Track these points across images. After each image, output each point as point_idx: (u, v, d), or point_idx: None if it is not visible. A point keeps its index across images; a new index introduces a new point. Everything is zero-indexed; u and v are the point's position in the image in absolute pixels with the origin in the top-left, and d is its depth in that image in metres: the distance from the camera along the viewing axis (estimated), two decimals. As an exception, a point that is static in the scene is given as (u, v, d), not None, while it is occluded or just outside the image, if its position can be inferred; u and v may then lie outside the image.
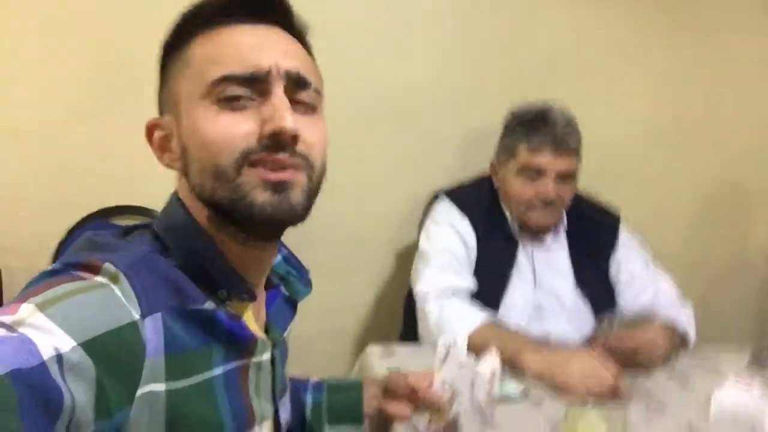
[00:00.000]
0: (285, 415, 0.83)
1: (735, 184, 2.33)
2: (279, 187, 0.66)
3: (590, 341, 1.48)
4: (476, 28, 1.98)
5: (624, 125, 2.10)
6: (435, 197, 1.74)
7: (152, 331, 0.59)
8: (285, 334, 0.83)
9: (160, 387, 0.59)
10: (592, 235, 1.65)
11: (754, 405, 1.22)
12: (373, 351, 1.41)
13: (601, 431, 0.89)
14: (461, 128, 2.01)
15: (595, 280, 1.62)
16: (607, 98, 2.08)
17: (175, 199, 0.72)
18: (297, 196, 0.67)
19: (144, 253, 0.65)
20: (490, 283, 1.55)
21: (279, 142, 0.65)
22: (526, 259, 1.62)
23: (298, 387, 1.04)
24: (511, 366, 1.30)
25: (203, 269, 0.68)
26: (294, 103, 0.68)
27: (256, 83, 0.66)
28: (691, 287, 1.68)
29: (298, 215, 0.69)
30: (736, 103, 2.24)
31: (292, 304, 0.85)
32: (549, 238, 1.64)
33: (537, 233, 1.62)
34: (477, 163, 1.83)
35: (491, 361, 1.04)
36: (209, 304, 0.66)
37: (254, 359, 0.71)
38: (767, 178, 2.34)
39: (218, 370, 0.65)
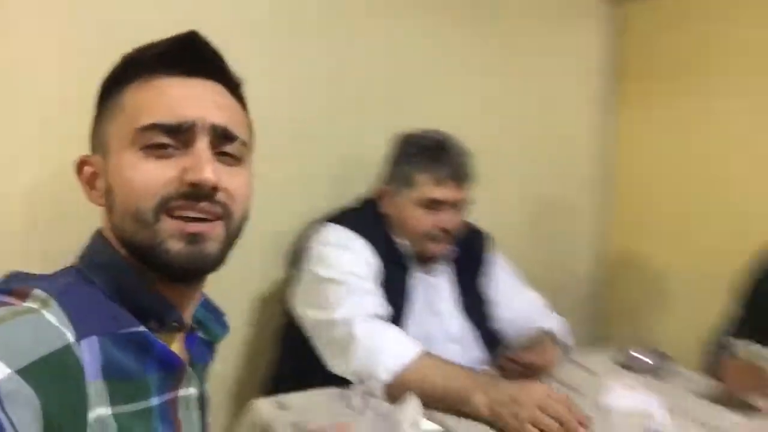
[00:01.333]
0: None
1: (559, 197, 2.50)
2: (194, 239, 0.69)
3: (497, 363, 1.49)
4: (334, 51, 1.88)
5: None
6: (318, 224, 1.59)
7: (89, 353, 0.59)
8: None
9: (106, 411, 0.59)
10: (468, 256, 1.66)
11: (639, 400, 1.27)
12: (264, 406, 1.22)
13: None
14: (328, 156, 1.88)
15: (476, 302, 1.64)
16: (441, 116, 2.03)
17: (99, 236, 0.74)
18: (212, 246, 0.70)
19: (73, 283, 0.67)
20: (391, 311, 1.48)
21: (198, 192, 0.68)
22: (419, 285, 1.59)
23: None
24: (456, 408, 1.22)
25: (131, 300, 0.68)
26: (219, 154, 0.72)
27: (181, 133, 0.69)
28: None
29: (212, 265, 0.72)
30: (559, 127, 2.41)
31: (210, 347, 0.83)
32: (435, 265, 1.62)
33: (427, 260, 1.59)
34: (346, 193, 1.76)
35: (412, 407, 0.96)
36: (141, 328, 0.67)
37: (182, 392, 0.71)
38: (589, 196, 2.55)
39: (155, 400, 0.65)
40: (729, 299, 1.66)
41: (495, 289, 1.69)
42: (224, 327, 0.84)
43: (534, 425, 1.13)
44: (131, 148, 0.69)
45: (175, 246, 0.68)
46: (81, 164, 0.76)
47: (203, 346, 0.81)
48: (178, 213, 0.68)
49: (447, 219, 1.52)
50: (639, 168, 2.56)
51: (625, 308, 2.60)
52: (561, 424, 1.13)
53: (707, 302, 2.21)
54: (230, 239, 0.73)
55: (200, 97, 0.72)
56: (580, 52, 2.51)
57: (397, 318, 1.48)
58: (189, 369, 0.73)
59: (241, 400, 1.42)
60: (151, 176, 0.68)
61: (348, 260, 1.46)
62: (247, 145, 0.76)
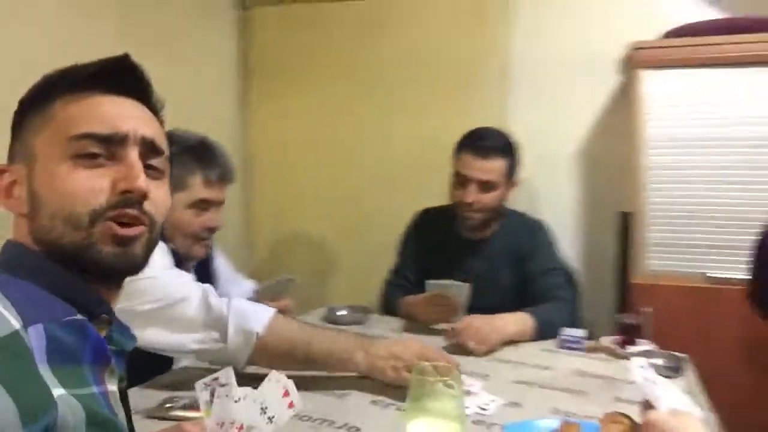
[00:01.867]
0: None
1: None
2: (124, 242, 0.74)
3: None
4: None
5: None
6: None
7: (36, 340, 0.60)
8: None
9: (63, 391, 0.60)
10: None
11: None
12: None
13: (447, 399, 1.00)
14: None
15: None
16: None
17: (13, 244, 0.76)
18: (138, 249, 0.76)
19: (7, 278, 0.68)
20: None
21: (129, 199, 0.73)
22: None
23: None
24: (336, 366, 1.32)
25: (61, 294, 0.69)
26: (146, 167, 0.76)
27: (113, 144, 0.74)
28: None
29: (137, 266, 0.77)
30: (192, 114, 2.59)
31: (121, 355, 0.81)
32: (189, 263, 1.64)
33: (185, 261, 1.59)
34: None
35: (275, 378, 1.04)
36: (78, 316, 0.67)
37: (109, 387, 0.70)
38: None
39: (95, 389, 0.66)
40: (394, 253, 2.10)
41: (217, 275, 1.79)
42: (133, 338, 0.83)
43: (405, 377, 1.27)
44: (62, 156, 0.72)
45: (106, 248, 0.72)
46: None
47: (114, 355, 0.76)
48: (110, 219, 0.72)
49: (213, 219, 1.56)
50: (275, 156, 2.89)
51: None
52: None
53: (356, 263, 2.72)
54: (152, 246, 0.79)
55: (131, 113, 0.78)
56: (216, 52, 2.69)
57: None
58: (113, 362, 0.72)
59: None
60: (84, 185, 0.72)
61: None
62: (168, 161, 0.82)
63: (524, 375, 1.43)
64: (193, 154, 1.53)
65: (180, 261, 1.56)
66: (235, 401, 0.99)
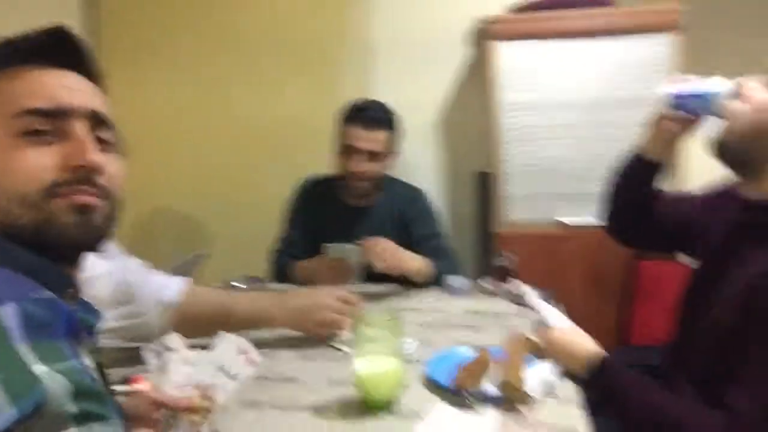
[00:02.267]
0: None
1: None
2: (84, 210, 0.72)
3: None
4: None
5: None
6: None
7: (10, 319, 0.60)
8: None
9: (44, 368, 0.59)
10: None
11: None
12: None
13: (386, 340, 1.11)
14: None
15: None
16: None
17: None
18: (98, 219, 0.73)
19: None
20: None
21: (83, 175, 0.71)
22: None
23: None
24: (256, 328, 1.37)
25: (28, 270, 0.68)
26: (95, 141, 0.74)
27: (60, 118, 0.71)
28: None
29: (99, 238, 0.75)
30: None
31: (92, 332, 0.80)
32: None
33: None
34: None
35: (229, 340, 1.10)
36: (48, 293, 0.67)
37: (85, 360, 0.70)
38: None
39: (74, 361, 0.65)
40: (280, 222, 2.16)
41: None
42: (98, 314, 0.80)
43: (325, 325, 1.40)
44: (7, 135, 0.70)
45: (66, 219, 0.70)
46: None
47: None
48: (66, 195, 0.70)
49: None
50: (134, 129, 2.78)
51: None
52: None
53: (229, 239, 2.74)
54: (111, 220, 0.76)
55: (75, 86, 0.75)
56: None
57: None
58: (86, 336, 0.73)
59: None
60: (33, 164, 0.69)
61: None
62: (117, 132, 0.79)
63: (425, 318, 1.60)
64: None
65: None
66: (189, 363, 1.04)
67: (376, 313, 1.12)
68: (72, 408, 0.60)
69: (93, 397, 0.63)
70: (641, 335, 2.02)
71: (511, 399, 1.06)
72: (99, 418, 0.63)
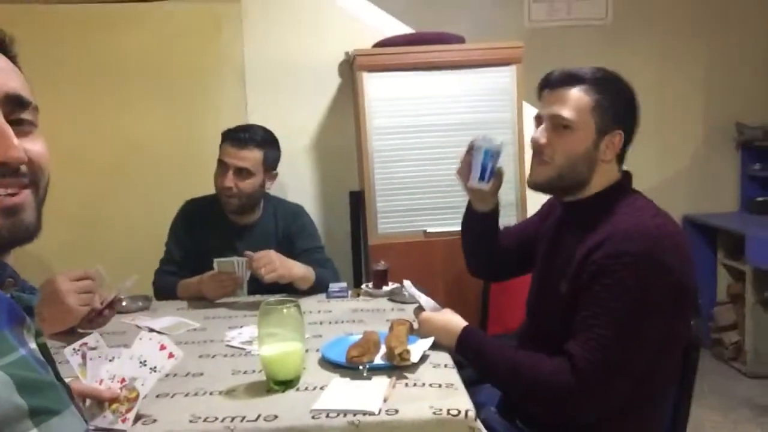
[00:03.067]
0: None
1: None
2: (11, 212, 0.68)
3: None
4: None
5: None
6: None
7: None
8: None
9: None
10: None
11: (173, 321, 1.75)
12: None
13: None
14: None
15: None
16: None
17: None
18: (29, 216, 0.70)
19: None
20: None
21: (6, 169, 0.67)
22: None
23: None
24: None
25: None
26: (14, 123, 0.68)
27: None
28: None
29: (32, 233, 0.73)
30: None
31: (31, 313, 0.79)
32: None
33: None
34: None
35: (149, 337, 1.19)
36: None
37: (32, 345, 0.69)
38: None
39: (22, 351, 0.63)
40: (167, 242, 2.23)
41: None
42: (36, 292, 0.80)
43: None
44: None
45: None
46: None
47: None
48: None
49: None
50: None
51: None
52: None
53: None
54: (40, 205, 0.74)
55: None
56: None
57: None
58: (28, 320, 0.70)
59: None
60: None
61: None
62: (36, 108, 0.73)
63: (315, 318, 1.76)
64: None
65: None
66: (110, 360, 1.13)
67: (279, 303, 1.27)
68: (22, 404, 0.58)
69: (42, 390, 0.62)
70: (497, 326, 2.31)
71: (397, 366, 1.26)
72: (56, 411, 0.62)
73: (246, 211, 2.17)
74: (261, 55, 2.82)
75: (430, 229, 2.56)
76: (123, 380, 1.11)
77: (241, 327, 1.68)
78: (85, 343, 1.15)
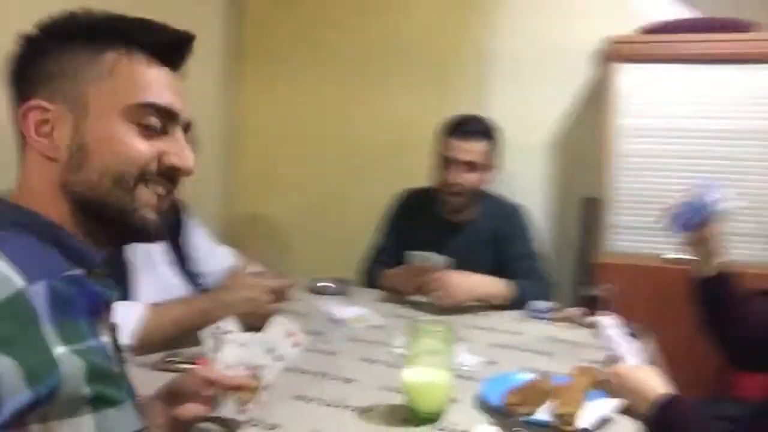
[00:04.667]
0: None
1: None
2: (161, 208, 0.77)
3: None
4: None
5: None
6: None
7: (39, 297, 0.61)
8: None
9: (64, 349, 0.61)
10: (172, 224, 1.75)
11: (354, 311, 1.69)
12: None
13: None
14: None
15: (185, 260, 1.75)
16: None
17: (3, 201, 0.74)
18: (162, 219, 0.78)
19: (5, 232, 0.68)
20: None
21: (175, 175, 0.78)
22: (136, 257, 1.60)
23: None
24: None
25: (62, 247, 0.70)
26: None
27: (168, 119, 0.77)
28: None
29: (159, 236, 0.80)
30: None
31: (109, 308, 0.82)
32: None
33: None
34: None
35: (279, 322, 1.13)
36: (77, 271, 0.68)
37: (103, 338, 0.70)
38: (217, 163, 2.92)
39: (93, 341, 0.66)
40: (375, 231, 2.20)
41: (195, 248, 1.82)
42: (117, 290, 0.83)
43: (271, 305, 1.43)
44: (121, 119, 0.73)
45: (149, 215, 0.76)
46: (30, 109, 0.73)
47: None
48: (151, 185, 0.76)
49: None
50: (261, 137, 2.97)
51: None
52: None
53: (326, 241, 2.82)
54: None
55: (178, 90, 0.79)
56: (202, 33, 2.69)
57: (127, 291, 1.52)
58: (105, 315, 0.74)
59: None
60: (139, 152, 0.74)
61: None
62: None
63: (498, 339, 1.56)
64: None
65: None
66: (241, 345, 1.08)
67: (430, 324, 1.11)
68: (87, 391, 0.61)
69: (107, 379, 0.65)
70: (743, 388, 1.83)
71: (559, 429, 1.01)
72: (113, 402, 0.65)
73: (465, 208, 2.03)
74: (508, 40, 2.62)
75: (668, 255, 2.13)
76: (249, 367, 1.06)
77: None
78: (219, 327, 1.12)
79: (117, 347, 0.78)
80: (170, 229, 1.73)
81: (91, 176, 0.72)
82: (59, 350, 0.60)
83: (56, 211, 0.73)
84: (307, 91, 2.86)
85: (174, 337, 1.37)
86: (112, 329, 0.77)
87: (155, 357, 1.32)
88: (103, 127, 0.73)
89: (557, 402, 1.03)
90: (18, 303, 0.59)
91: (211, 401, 1.03)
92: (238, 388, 1.03)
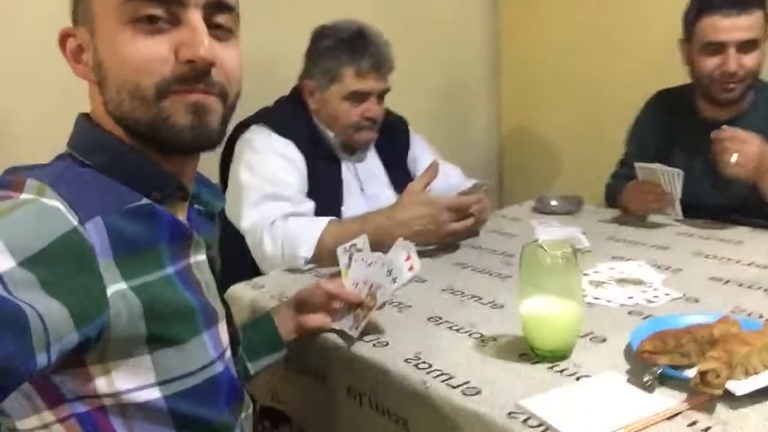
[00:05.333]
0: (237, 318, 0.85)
1: (458, 86, 2.70)
2: (198, 110, 0.68)
3: None
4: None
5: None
6: (240, 128, 1.59)
7: (95, 234, 0.59)
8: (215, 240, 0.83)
9: (123, 285, 0.60)
10: (391, 140, 1.76)
11: (565, 231, 1.49)
12: (241, 289, 1.30)
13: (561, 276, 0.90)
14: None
15: (405, 179, 1.72)
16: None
17: (84, 120, 0.72)
18: (214, 120, 0.69)
19: (65, 167, 0.66)
20: (325, 201, 1.55)
21: (195, 69, 0.66)
22: (350, 173, 1.69)
23: None
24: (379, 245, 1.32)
25: (130, 175, 0.68)
26: (211, 27, 0.68)
27: (172, 4, 0.65)
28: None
29: (214, 141, 0.72)
30: (448, 14, 2.56)
31: (211, 217, 0.83)
32: (362, 152, 1.72)
33: (355, 149, 1.68)
34: (265, 93, 1.73)
35: (402, 244, 1.07)
36: (145, 201, 0.66)
37: (192, 258, 0.71)
38: (481, 76, 2.77)
39: (170, 269, 0.66)
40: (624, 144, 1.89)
41: (416, 164, 1.81)
42: (221, 199, 0.84)
43: (452, 225, 1.37)
44: (119, 21, 0.65)
45: (181, 120, 0.67)
46: (64, 37, 0.71)
47: (203, 218, 0.81)
48: (178, 95, 0.67)
49: (372, 109, 1.59)
50: (522, 44, 2.76)
51: (521, 172, 2.87)
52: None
53: (593, 157, 2.51)
54: (227, 118, 0.73)
55: None
56: None
57: (333, 206, 1.58)
58: (196, 235, 0.73)
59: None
60: (144, 54, 0.65)
61: (269, 165, 1.51)
62: (238, 15, 0.72)
63: (725, 272, 1.21)
64: (345, 46, 1.54)
65: (349, 149, 1.66)
66: (368, 264, 1.07)
67: (550, 244, 0.91)
68: (143, 331, 0.61)
69: (169, 317, 0.64)
70: None
71: (700, 390, 0.75)
72: (173, 342, 0.64)
73: (736, 99, 1.62)
74: None
75: None
76: (371, 286, 1.04)
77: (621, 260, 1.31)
78: (354, 244, 1.11)
79: (212, 265, 0.76)
80: (390, 148, 1.77)
81: (112, 94, 0.67)
82: (116, 287, 0.59)
83: (120, 133, 0.70)
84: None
85: None
86: (210, 247, 0.75)
87: (334, 269, 1.37)
88: (107, 36, 0.66)
89: (706, 355, 0.77)
90: (71, 242, 0.57)
91: (334, 314, 1.05)
92: (357, 304, 1.02)
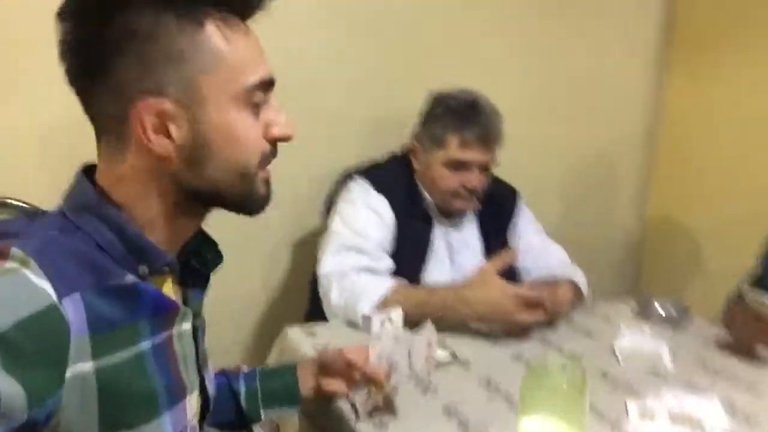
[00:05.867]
0: (211, 386, 0.84)
1: (604, 160, 2.55)
2: (269, 182, 0.75)
3: None
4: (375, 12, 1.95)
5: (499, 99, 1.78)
6: (347, 177, 1.69)
7: (73, 311, 0.58)
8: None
9: (87, 366, 0.59)
10: (495, 210, 1.73)
11: (650, 344, 1.36)
12: (294, 332, 1.36)
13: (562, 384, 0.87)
14: (364, 109, 1.97)
15: (500, 251, 1.68)
16: (480, 73, 1.97)
17: (85, 178, 0.70)
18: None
19: (52, 236, 0.64)
20: (408, 262, 1.57)
21: (276, 146, 0.74)
22: (441, 238, 1.68)
23: (231, 377, 1.05)
24: (439, 320, 1.31)
25: (120, 247, 0.67)
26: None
27: (269, 87, 0.72)
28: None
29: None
30: (606, 83, 2.44)
31: (204, 278, 0.83)
32: (460, 219, 1.71)
33: (451, 215, 1.68)
34: (381, 146, 1.84)
35: (427, 330, 1.05)
36: (129, 278, 0.66)
37: (176, 329, 0.72)
38: (632, 156, 2.61)
39: (146, 344, 0.66)
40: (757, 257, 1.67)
41: (520, 240, 1.76)
42: (219, 256, 0.83)
43: (519, 315, 1.34)
44: (238, 105, 0.68)
45: (261, 191, 0.74)
46: (145, 108, 0.65)
47: (197, 278, 0.81)
48: (265, 165, 0.74)
49: (472, 179, 1.58)
50: (684, 129, 2.55)
51: (662, 267, 2.62)
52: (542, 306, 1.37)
53: (742, 263, 2.23)
54: None
55: (262, 48, 0.72)
56: (633, 11, 2.46)
57: (415, 268, 1.59)
58: (183, 307, 0.73)
59: (277, 328, 1.55)
60: (254, 135, 0.71)
61: (359, 217, 1.55)
62: None
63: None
64: (454, 115, 1.55)
65: (445, 214, 1.66)
66: (396, 341, 1.06)
67: (556, 361, 0.84)
68: (95, 415, 0.60)
69: (127, 403, 0.63)
70: None
71: None
72: (130, 426, 0.63)
73: None
74: None
75: None
76: (390, 365, 1.03)
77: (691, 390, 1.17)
78: (390, 318, 1.11)
79: (195, 336, 0.77)
80: (492, 218, 1.74)
81: (212, 173, 0.69)
82: (78, 368, 0.58)
83: (145, 211, 0.69)
84: (744, 83, 2.30)
85: (411, 318, 1.40)
86: (197, 315, 0.77)
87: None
88: (223, 118, 0.68)
89: None
90: (47, 320, 0.56)
91: (353, 382, 1.05)
92: (372, 380, 1.02)
